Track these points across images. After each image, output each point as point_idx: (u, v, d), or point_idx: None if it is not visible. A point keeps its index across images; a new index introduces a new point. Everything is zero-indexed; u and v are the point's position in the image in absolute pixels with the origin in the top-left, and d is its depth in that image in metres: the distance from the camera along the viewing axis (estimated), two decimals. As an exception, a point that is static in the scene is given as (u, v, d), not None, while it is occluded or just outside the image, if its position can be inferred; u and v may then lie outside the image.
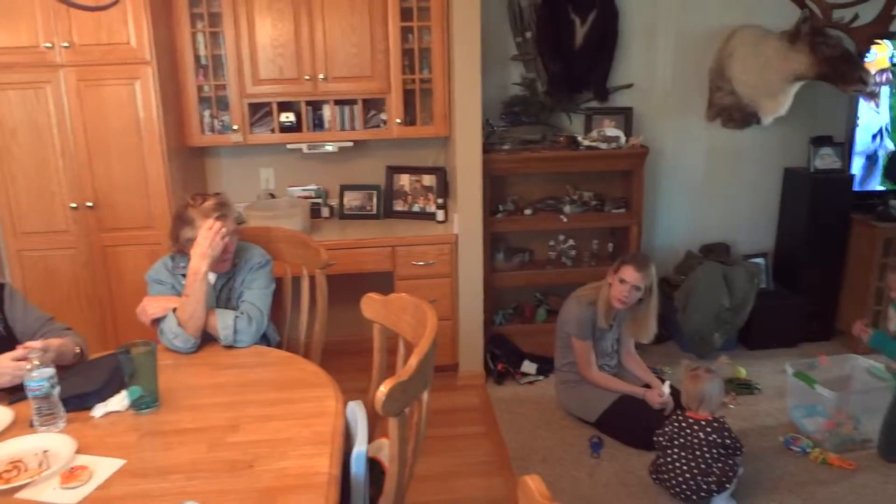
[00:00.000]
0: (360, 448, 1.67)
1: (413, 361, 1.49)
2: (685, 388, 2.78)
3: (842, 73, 3.39)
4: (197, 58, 3.44)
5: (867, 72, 3.39)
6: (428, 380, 1.64)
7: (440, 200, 3.74)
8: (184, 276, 2.20)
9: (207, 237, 2.15)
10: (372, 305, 1.99)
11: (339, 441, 1.64)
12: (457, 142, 3.46)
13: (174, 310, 2.16)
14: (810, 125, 4.05)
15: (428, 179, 3.83)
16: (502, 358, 3.74)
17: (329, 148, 3.66)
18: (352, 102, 3.58)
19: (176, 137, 3.40)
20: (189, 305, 2.13)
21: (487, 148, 3.60)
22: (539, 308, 3.98)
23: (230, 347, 2.19)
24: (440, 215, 3.71)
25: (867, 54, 3.53)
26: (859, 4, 3.34)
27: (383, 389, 1.42)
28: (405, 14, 3.45)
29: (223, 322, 2.17)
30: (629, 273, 3.05)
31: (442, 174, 3.80)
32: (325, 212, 3.87)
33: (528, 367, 3.72)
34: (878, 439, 3.04)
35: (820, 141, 3.96)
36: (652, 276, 3.10)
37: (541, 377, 3.69)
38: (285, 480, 1.50)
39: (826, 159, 3.94)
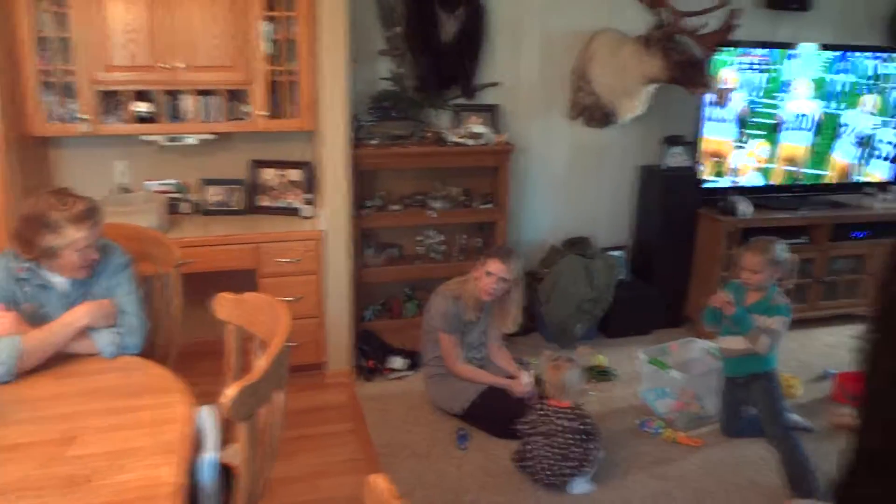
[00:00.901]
0: (209, 454, 1.60)
1: (262, 363, 1.45)
2: (548, 378, 2.88)
3: (690, 76, 3.61)
4: (40, 40, 3.18)
5: (712, 76, 3.63)
6: (281, 380, 1.60)
7: (307, 196, 3.67)
8: (27, 280, 2.01)
9: (103, 305, 1.98)
10: (225, 305, 1.92)
11: (187, 448, 1.57)
12: (324, 136, 3.41)
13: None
14: (664, 125, 4.30)
15: (294, 174, 3.74)
16: (371, 354, 3.72)
17: (190, 140, 3.50)
18: (214, 93, 3.44)
19: (15, 126, 3.13)
20: (42, 349, 1.89)
21: (355, 142, 3.57)
22: (408, 303, 3.99)
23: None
24: (307, 211, 3.64)
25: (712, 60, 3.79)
26: (706, 13, 3.58)
27: (229, 393, 1.37)
28: (270, 3, 3.35)
29: (102, 342, 1.99)
30: (496, 265, 3.11)
31: (309, 169, 3.73)
32: (186, 207, 3.70)
33: (397, 362, 3.73)
34: (719, 417, 3.28)
35: (671, 140, 4.22)
36: (517, 268, 3.18)
37: (410, 372, 3.71)
38: (126, 494, 1.42)
39: (677, 157, 4.20)
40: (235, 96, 3.51)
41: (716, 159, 4.26)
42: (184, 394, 1.81)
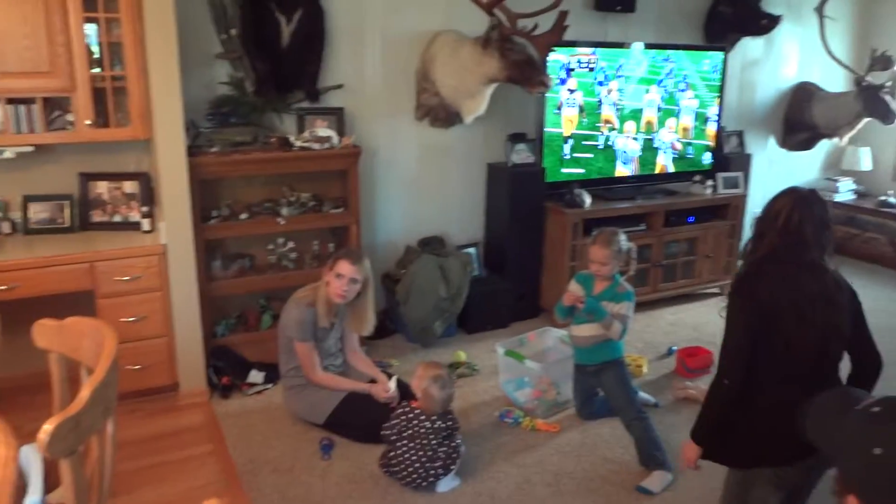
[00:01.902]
0: (32, 498, 1.46)
1: (84, 393, 1.33)
2: (415, 379, 2.86)
3: (527, 76, 3.73)
4: None
5: (548, 76, 3.77)
6: (109, 409, 1.48)
7: (145, 209, 3.45)
8: None
9: None
10: (45, 333, 1.76)
11: (8, 492, 1.42)
12: (158, 144, 3.22)
13: None
14: (507, 123, 4.43)
15: (130, 186, 3.51)
16: (226, 370, 3.56)
17: (6, 154, 3.20)
18: (30, 101, 3.15)
19: None
20: None
21: (194, 151, 3.40)
22: (264, 314, 3.86)
23: None
24: (146, 224, 3.43)
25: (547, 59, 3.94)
26: (539, 15, 3.71)
27: (47, 428, 1.24)
28: (88, 4, 3.11)
29: None
30: (344, 267, 3.07)
31: (145, 180, 3.51)
32: (6, 227, 3.37)
33: (255, 376, 3.59)
34: (574, 401, 3.42)
35: (515, 138, 4.36)
36: (367, 268, 3.15)
37: (269, 385, 3.59)
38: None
39: (521, 154, 4.34)
40: (57, 104, 3.24)
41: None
42: (4, 433, 1.63)
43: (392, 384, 3.20)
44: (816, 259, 2.17)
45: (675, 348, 4.05)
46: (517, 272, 4.43)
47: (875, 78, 5.30)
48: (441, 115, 4.12)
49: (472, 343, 4.18)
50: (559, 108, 4.38)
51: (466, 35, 3.95)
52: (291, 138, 3.65)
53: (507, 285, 4.39)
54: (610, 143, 4.65)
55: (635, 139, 4.74)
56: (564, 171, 4.50)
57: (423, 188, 4.39)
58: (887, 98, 5.21)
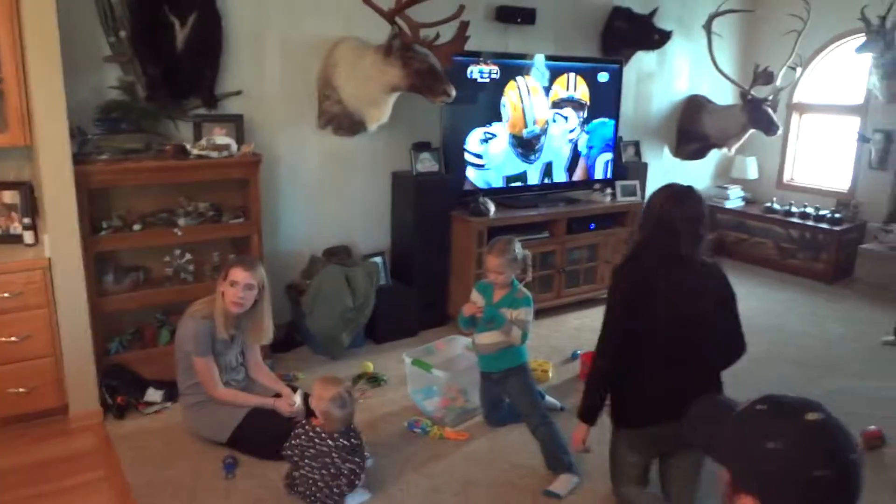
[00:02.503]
0: None
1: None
2: (314, 393, 2.78)
3: (429, 85, 3.75)
4: None
5: (450, 85, 3.79)
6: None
7: (27, 220, 3.24)
8: None
9: None
10: None
11: None
12: (41, 151, 3.02)
13: None
14: (412, 132, 4.43)
15: (9, 196, 3.28)
16: (121, 390, 3.38)
17: None
18: None
19: None
20: None
21: (81, 158, 3.21)
22: (161, 329, 3.69)
23: None
24: (28, 237, 3.22)
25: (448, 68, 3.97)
26: (441, 25, 3.73)
27: None
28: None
29: None
30: (238, 273, 2.97)
31: (27, 190, 3.29)
32: None
33: (153, 395, 3.43)
34: (481, 408, 3.43)
35: (420, 147, 4.36)
36: (261, 273, 3.06)
37: (168, 404, 3.43)
38: None
39: (426, 163, 4.35)
40: (-77, 109, 3.00)
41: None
42: None
43: (297, 398, 3.11)
44: (686, 249, 2.44)
45: (579, 352, 4.15)
46: (424, 281, 4.43)
47: (758, 92, 5.64)
48: (344, 123, 4.07)
49: (380, 353, 4.14)
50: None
51: (369, 43, 3.93)
52: (188, 146, 3.52)
53: (414, 294, 4.38)
54: (516, 151, 4.73)
55: (538, 148, 4.84)
56: (469, 178, 4.55)
57: (328, 197, 4.33)
58: (769, 111, 5.54)
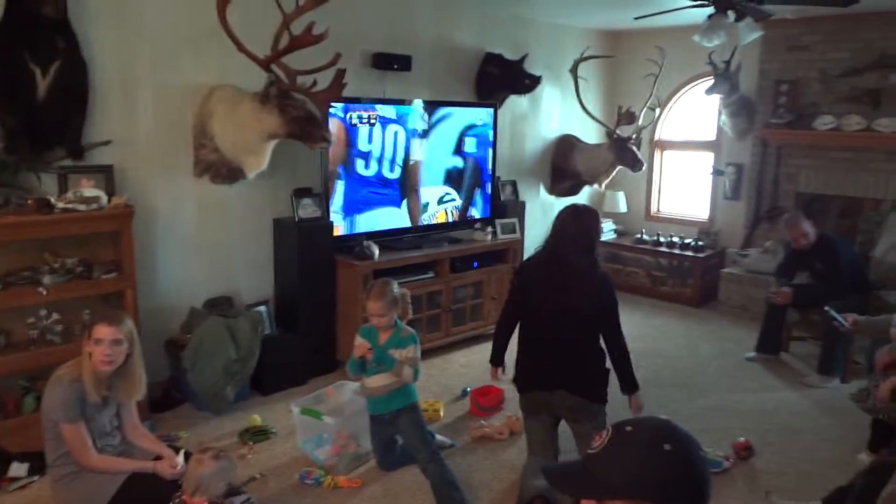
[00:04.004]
0: None
1: None
2: (188, 469, 2.66)
3: (308, 132, 3.75)
4: None
5: (329, 131, 3.82)
6: None
7: None
8: None
9: None
10: None
11: None
12: None
13: None
14: (293, 177, 4.41)
15: None
16: (-20, 465, 3.11)
17: None
18: None
19: None
20: None
21: (-70, 217, 2.99)
22: (26, 397, 3.43)
23: None
24: None
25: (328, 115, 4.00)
26: (318, 72, 3.76)
27: None
28: None
29: None
30: (102, 330, 2.79)
31: None
32: None
33: (18, 469, 3.17)
34: (374, 453, 3.41)
35: (301, 192, 4.35)
36: (129, 326, 2.88)
37: (35, 478, 3.18)
38: None
39: (308, 209, 4.33)
40: None
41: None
42: None
43: (180, 458, 2.96)
44: (569, 254, 3.04)
45: (468, 389, 4.21)
46: (311, 328, 4.38)
47: (623, 131, 6.01)
48: (222, 171, 4.00)
49: (267, 405, 4.04)
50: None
51: (245, 90, 3.90)
52: (52, 199, 3.33)
53: (301, 342, 4.32)
54: (397, 194, 4.80)
55: (421, 190, 4.94)
56: (354, 223, 4.57)
57: (207, 247, 4.21)
58: (634, 148, 5.92)
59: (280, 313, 4.47)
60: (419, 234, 4.99)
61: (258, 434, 3.67)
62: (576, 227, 3.05)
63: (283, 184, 4.39)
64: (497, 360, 3.41)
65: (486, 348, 5.09)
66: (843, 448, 3.65)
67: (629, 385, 3.22)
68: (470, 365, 4.78)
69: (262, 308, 4.25)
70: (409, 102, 4.82)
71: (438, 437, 3.58)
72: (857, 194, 5.63)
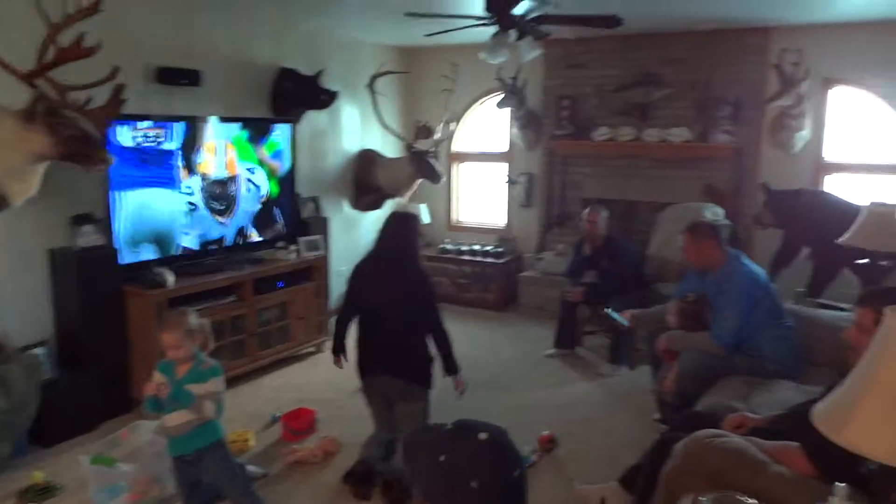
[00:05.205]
0: None
1: None
2: None
3: (84, 153, 3.41)
4: None
5: (107, 152, 3.51)
6: None
7: None
8: None
9: None
10: None
11: None
12: None
13: None
14: (70, 203, 4.01)
15: None
16: None
17: None
18: None
19: None
20: None
21: None
22: None
23: None
24: None
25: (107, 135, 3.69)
26: (92, 88, 3.44)
27: None
28: None
29: None
30: None
31: None
32: None
33: None
34: (180, 496, 3.16)
35: (80, 219, 3.97)
36: None
37: None
38: None
39: (89, 237, 3.96)
40: None
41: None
42: None
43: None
44: (388, 254, 3.53)
45: (278, 414, 4.07)
46: (100, 366, 3.98)
47: (421, 145, 6.16)
48: (-17, 200, 3.54)
49: (52, 457, 3.62)
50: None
51: (6, 107, 3.47)
52: None
53: (89, 383, 3.92)
54: (193, 215, 4.54)
55: (218, 209, 4.71)
56: (140, 250, 4.25)
57: (-33, 286, 3.70)
58: (432, 161, 6.08)
59: (63, 353, 4.03)
60: (219, 256, 4.74)
61: (42, 492, 3.28)
62: (394, 229, 3.55)
63: (59, 210, 3.98)
64: (337, 348, 3.67)
65: (295, 370, 5.06)
66: (635, 429, 4.00)
67: (449, 369, 3.59)
68: (280, 389, 4.63)
69: (40, 350, 3.81)
70: (203, 119, 4.58)
71: (249, 467, 3.42)
72: (633, 198, 6.22)
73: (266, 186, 5.10)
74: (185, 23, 4.75)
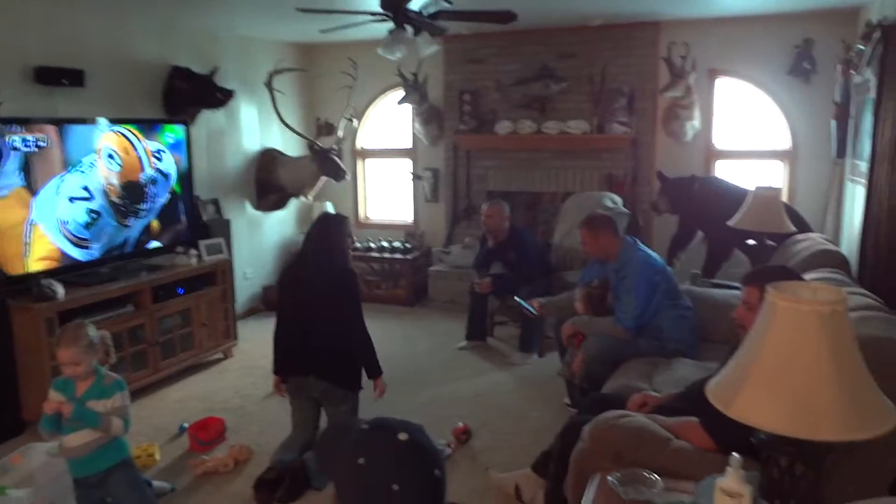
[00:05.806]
0: None
1: None
2: None
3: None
4: None
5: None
6: None
7: None
8: None
9: None
10: None
11: None
12: None
13: None
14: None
15: None
16: None
17: None
18: None
19: None
20: None
21: None
22: None
23: None
24: None
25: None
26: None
27: None
28: None
29: None
30: None
31: None
32: None
33: None
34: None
35: (-45, 231, 3.69)
36: None
37: None
38: None
39: (-34, 250, 3.69)
40: None
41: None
42: None
43: None
44: (311, 256, 3.52)
45: (185, 425, 3.93)
46: None
47: (324, 142, 6.08)
48: None
49: (-67, 489, 3.36)
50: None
51: None
52: None
53: (-28, 406, 3.67)
54: (91, 221, 4.30)
55: (125, 210, 4.50)
56: (29, 261, 3.99)
57: None
58: (336, 159, 6.01)
59: (-60, 377, 3.75)
60: (113, 264, 4.51)
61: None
62: (320, 230, 3.54)
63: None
64: (278, 369, 3.60)
65: (202, 379, 4.89)
66: (547, 414, 4.09)
67: (371, 372, 3.57)
68: (185, 399, 4.47)
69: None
70: (92, 121, 4.34)
71: (156, 483, 3.28)
72: (536, 189, 6.35)
73: (174, 175, 4.91)
74: (64, 20, 4.50)
